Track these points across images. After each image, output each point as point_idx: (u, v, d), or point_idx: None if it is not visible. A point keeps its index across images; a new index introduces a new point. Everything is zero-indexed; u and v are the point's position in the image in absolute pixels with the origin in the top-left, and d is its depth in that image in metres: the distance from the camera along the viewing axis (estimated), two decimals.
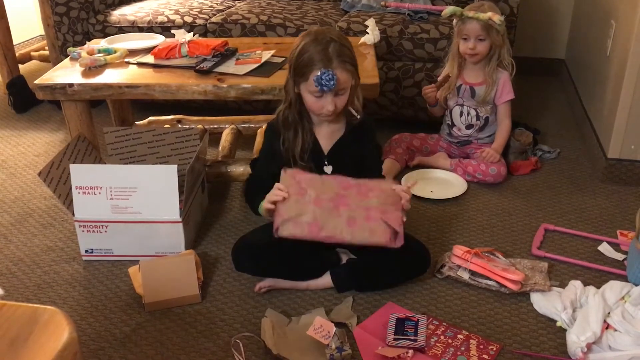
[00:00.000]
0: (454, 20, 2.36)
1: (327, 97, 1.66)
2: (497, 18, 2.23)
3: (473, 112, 2.41)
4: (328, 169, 1.81)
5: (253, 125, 2.58)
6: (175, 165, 1.84)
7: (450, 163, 2.42)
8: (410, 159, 2.48)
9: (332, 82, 1.61)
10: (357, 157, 1.83)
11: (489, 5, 2.31)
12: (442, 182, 2.35)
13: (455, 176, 2.37)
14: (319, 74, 1.61)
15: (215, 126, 2.59)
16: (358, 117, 1.77)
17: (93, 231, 1.89)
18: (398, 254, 1.73)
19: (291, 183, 1.65)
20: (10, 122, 3.02)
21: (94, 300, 1.77)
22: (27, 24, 4.01)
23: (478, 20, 2.25)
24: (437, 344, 1.56)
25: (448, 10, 2.32)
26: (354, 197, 1.66)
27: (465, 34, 2.30)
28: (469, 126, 2.43)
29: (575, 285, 1.71)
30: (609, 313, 1.57)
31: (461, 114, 2.43)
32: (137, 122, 2.59)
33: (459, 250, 1.81)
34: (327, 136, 1.80)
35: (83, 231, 1.89)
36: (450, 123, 2.47)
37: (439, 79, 2.43)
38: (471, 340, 1.57)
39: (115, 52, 2.22)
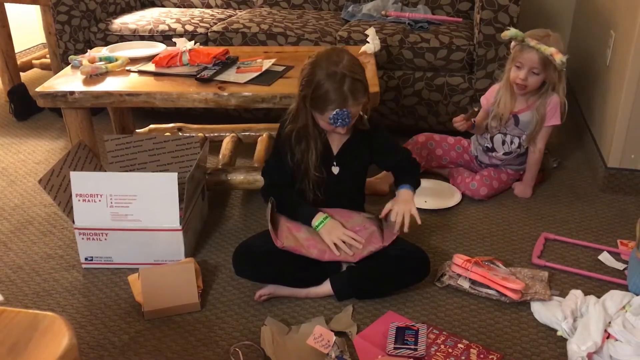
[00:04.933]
0: (512, 44, 2.18)
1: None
2: (559, 58, 2.05)
3: (516, 141, 2.29)
4: (335, 169, 1.84)
5: (253, 134, 2.59)
6: (176, 173, 1.84)
7: (448, 172, 2.43)
8: (428, 165, 2.43)
9: (347, 120, 1.67)
10: (363, 157, 1.87)
11: (555, 38, 2.12)
12: (436, 192, 2.34)
13: (449, 186, 2.36)
14: (334, 113, 1.65)
15: (215, 134, 2.59)
16: (367, 125, 1.80)
17: (93, 239, 1.89)
18: (397, 260, 1.74)
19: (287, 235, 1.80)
20: (11, 129, 3.02)
21: (93, 308, 1.77)
22: (29, 32, 4.02)
23: (538, 52, 2.09)
24: (438, 353, 1.56)
25: (509, 33, 2.13)
26: (339, 221, 1.81)
27: (520, 62, 2.14)
28: (507, 153, 2.33)
29: (576, 294, 1.71)
30: (609, 323, 1.57)
31: (503, 142, 2.31)
32: (137, 130, 2.59)
33: (459, 259, 1.81)
34: (336, 138, 1.83)
35: (83, 239, 1.89)
36: (490, 146, 2.34)
37: (479, 107, 2.32)
38: (471, 350, 1.57)
39: (116, 60, 2.22)
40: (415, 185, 1.86)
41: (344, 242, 1.75)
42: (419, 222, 1.78)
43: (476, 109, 2.31)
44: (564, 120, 2.26)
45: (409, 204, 1.79)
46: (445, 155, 2.44)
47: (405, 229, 1.76)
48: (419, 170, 1.98)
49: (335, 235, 1.76)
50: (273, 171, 1.88)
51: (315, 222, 1.77)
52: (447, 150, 2.44)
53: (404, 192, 1.82)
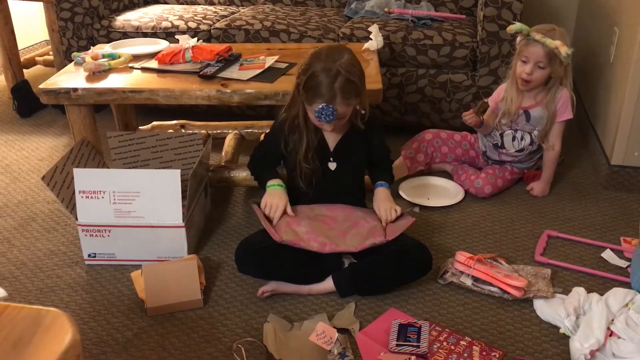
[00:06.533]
0: (517, 39, 2.19)
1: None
2: (565, 50, 2.04)
3: (527, 137, 2.27)
4: (332, 165, 1.86)
5: (256, 131, 2.59)
6: (179, 170, 1.84)
7: (452, 168, 2.42)
8: (432, 162, 2.42)
9: (330, 117, 1.69)
10: (361, 153, 1.89)
11: (560, 33, 2.11)
12: (439, 189, 2.34)
13: (452, 184, 2.36)
14: (320, 107, 1.67)
15: (218, 131, 2.59)
16: (362, 126, 1.82)
17: (96, 235, 1.89)
18: (399, 256, 1.74)
19: (282, 224, 1.81)
20: (15, 126, 3.02)
21: (96, 304, 1.77)
22: (32, 29, 4.03)
23: (543, 46, 2.08)
24: (440, 350, 1.56)
25: (514, 27, 2.12)
26: (340, 214, 1.85)
27: (526, 56, 2.13)
28: (519, 150, 2.31)
29: (579, 292, 1.70)
30: (612, 320, 1.57)
31: (514, 138, 2.29)
32: (140, 127, 2.60)
33: (461, 256, 1.81)
34: (332, 134, 1.84)
35: (86, 235, 1.89)
36: (499, 144, 2.32)
37: (487, 101, 2.31)
38: (474, 347, 1.57)
39: (119, 57, 2.22)
40: (391, 183, 1.96)
41: (273, 212, 1.81)
42: (399, 213, 1.85)
43: (485, 100, 2.29)
44: (573, 114, 2.26)
45: (390, 201, 1.87)
46: (451, 152, 2.43)
47: (390, 219, 1.84)
48: (391, 163, 2.04)
49: (275, 201, 1.81)
50: (258, 163, 1.97)
51: (270, 183, 1.85)
52: (454, 147, 2.43)
53: (382, 191, 1.90)
